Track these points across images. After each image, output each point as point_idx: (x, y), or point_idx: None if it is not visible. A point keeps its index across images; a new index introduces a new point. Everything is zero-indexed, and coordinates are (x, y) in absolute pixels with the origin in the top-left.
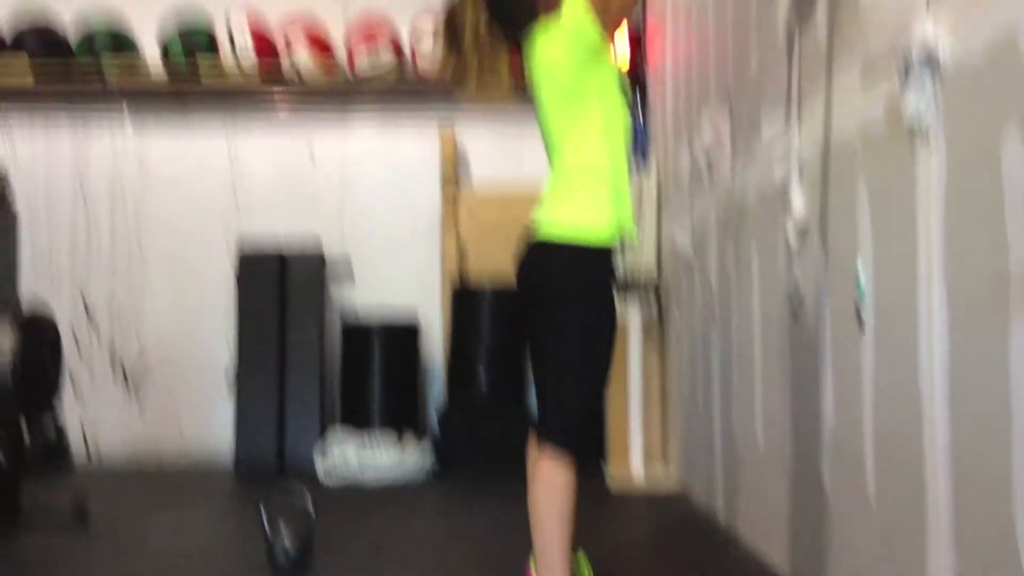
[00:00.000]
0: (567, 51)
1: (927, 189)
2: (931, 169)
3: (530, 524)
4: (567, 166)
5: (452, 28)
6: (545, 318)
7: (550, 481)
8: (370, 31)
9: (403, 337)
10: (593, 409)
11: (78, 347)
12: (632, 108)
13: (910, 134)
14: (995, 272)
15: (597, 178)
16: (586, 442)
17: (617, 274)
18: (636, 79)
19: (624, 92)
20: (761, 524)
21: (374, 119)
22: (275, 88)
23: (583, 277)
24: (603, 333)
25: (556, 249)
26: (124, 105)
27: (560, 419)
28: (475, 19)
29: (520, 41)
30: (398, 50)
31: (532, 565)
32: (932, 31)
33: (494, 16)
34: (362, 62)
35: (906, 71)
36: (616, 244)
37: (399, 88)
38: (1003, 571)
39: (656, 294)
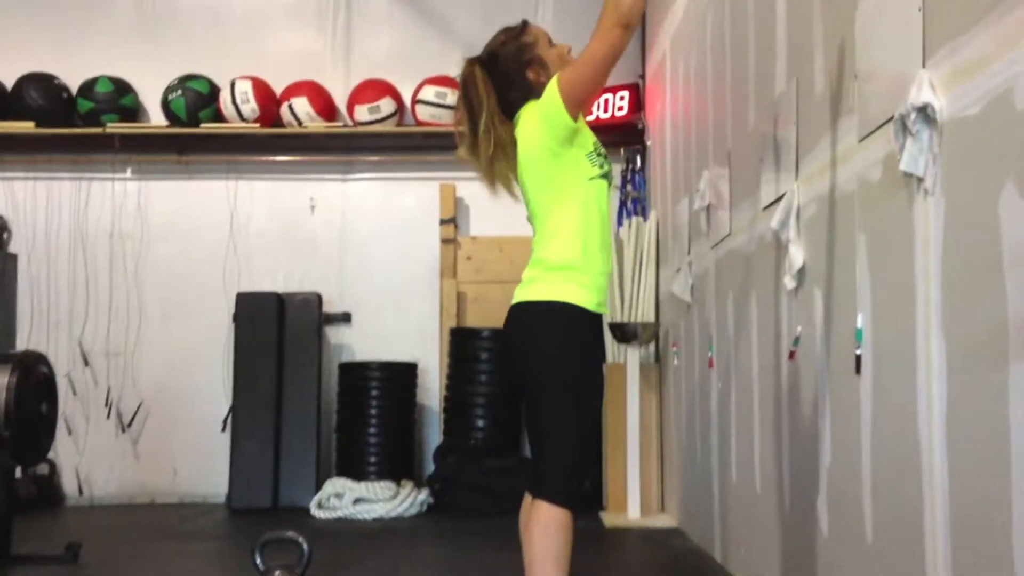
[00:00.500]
0: (540, 136)
1: (925, 240)
2: (929, 221)
3: (525, 571)
4: (545, 256)
5: (469, 106)
6: (531, 377)
7: (547, 525)
8: (371, 87)
9: (401, 375)
10: (586, 462)
11: (74, 390)
12: (630, 161)
13: (908, 187)
14: (993, 321)
15: (574, 270)
16: (579, 497)
17: (601, 335)
18: (635, 131)
19: (605, 160)
20: (757, 564)
21: (374, 169)
22: (275, 134)
23: (564, 332)
24: (588, 388)
25: (536, 307)
26: (124, 152)
27: (554, 475)
28: (489, 101)
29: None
30: (398, 102)
31: None
32: (929, 86)
33: (500, 95)
34: (362, 112)
35: (904, 125)
36: (595, 311)
37: (399, 139)
38: None
39: (655, 339)
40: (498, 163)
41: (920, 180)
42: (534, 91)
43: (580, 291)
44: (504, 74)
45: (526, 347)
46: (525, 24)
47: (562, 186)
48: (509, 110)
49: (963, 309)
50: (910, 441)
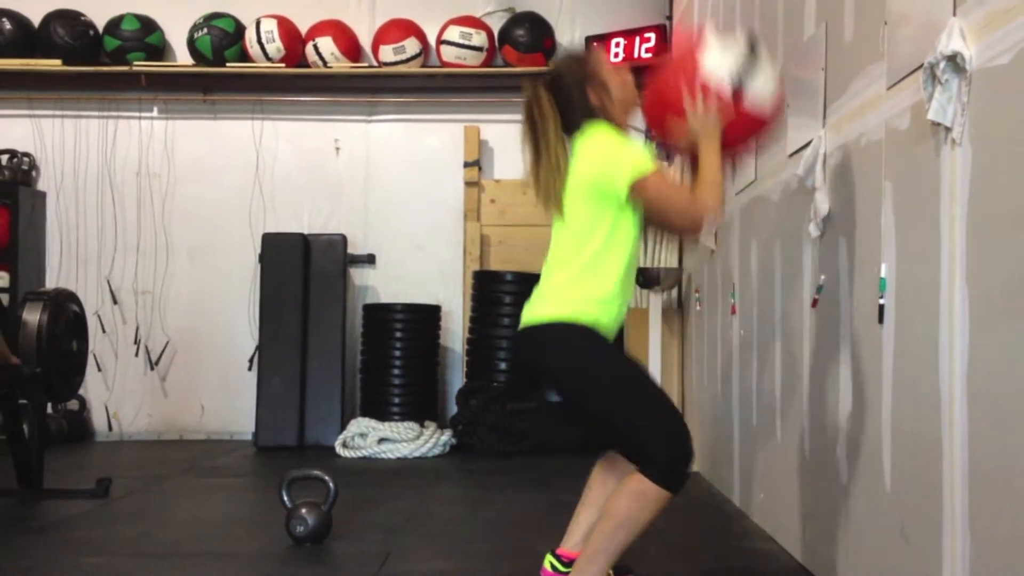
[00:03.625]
0: (593, 181)
1: (952, 190)
2: (956, 171)
3: (596, 523)
4: (563, 282)
5: (532, 125)
6: (574, 396)
7: (642, 495)
8: (396, 27)
9: (424, 317)
10: (684, 440)
11: (103, 327)
12: None
13: (935, 136)
14: (1017, 273)
15: (592, 301)
16: (684, 480)
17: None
18: None
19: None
20: (775, 509)
21: (398, 110)
22: (300, 74)
23: (578, 341)
24: (629, 373)
25: (547, 326)
26: (150, 91)
27: (659, 456)
28: (554, 121)
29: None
30: (423, 43)
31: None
32: (960, 34)
33: (563, 116)
34: (387, 52)
35: (932, 74)
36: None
37: (424, 80)
38: (1018, 559)
39: (678, 285)
40: (554, 182)
41: (948, 130)
42: (595, 112)
43: (593, 316)
44: (567, 96)
45: (546, 367)
46: (589, 49)
47: (601, 224)
48: (570, 130)
49: (987, 260)
50: (931, 391)
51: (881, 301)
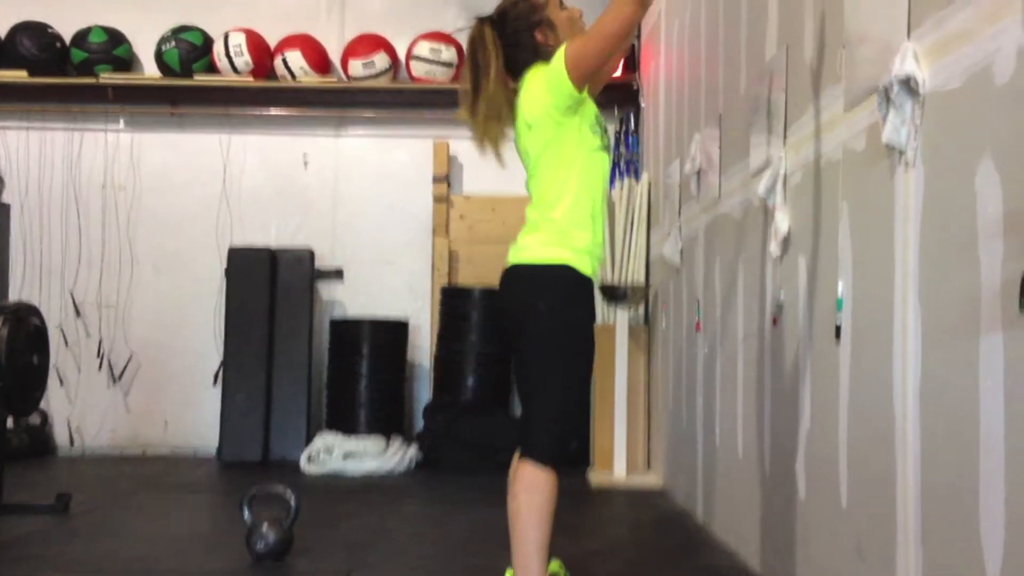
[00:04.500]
0: (545, 103)
1: (905, 211)
2: (909, 192)
3: (509, 531)
4: (543, 220)
5: (475, 65)
6: (526, 338)
7: (531, 483)
8: (365, 42)
9: (392, 332)
10: (570, 425)
11: (66, 341)
12: (624, 122)
13: (890, 157)
14: (967, 293)
15: (572, 236)
16: (566, 458)
17: (593, 299)
18: (630, 92)
19: (604, 133)
20: (736, 524)
21: (367, 124)
22: (269, 87)
23: (563, 295)
24: (582, 351)
25: (535, 270)
26: (117, 103)
27: (541, 435)
28: (496, 61)
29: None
30: (393, 58)
31: None
32: (913, 57)
33: (508, 56)
34: (356, 67)
35: (887, 95)
36: (591, 277)
37: (393, 95)
38: (967, 571)
39: (644, 301)
40: (493, 124)
41: (901, 152)
42: (542, 53)
43: (577, 256)
44: (512, 34)
45: (524, 309)
46: None
47: (564, 154)
48: (516, 71)
49: (939, 280)
50: (885, 409)
51: (838, 319)
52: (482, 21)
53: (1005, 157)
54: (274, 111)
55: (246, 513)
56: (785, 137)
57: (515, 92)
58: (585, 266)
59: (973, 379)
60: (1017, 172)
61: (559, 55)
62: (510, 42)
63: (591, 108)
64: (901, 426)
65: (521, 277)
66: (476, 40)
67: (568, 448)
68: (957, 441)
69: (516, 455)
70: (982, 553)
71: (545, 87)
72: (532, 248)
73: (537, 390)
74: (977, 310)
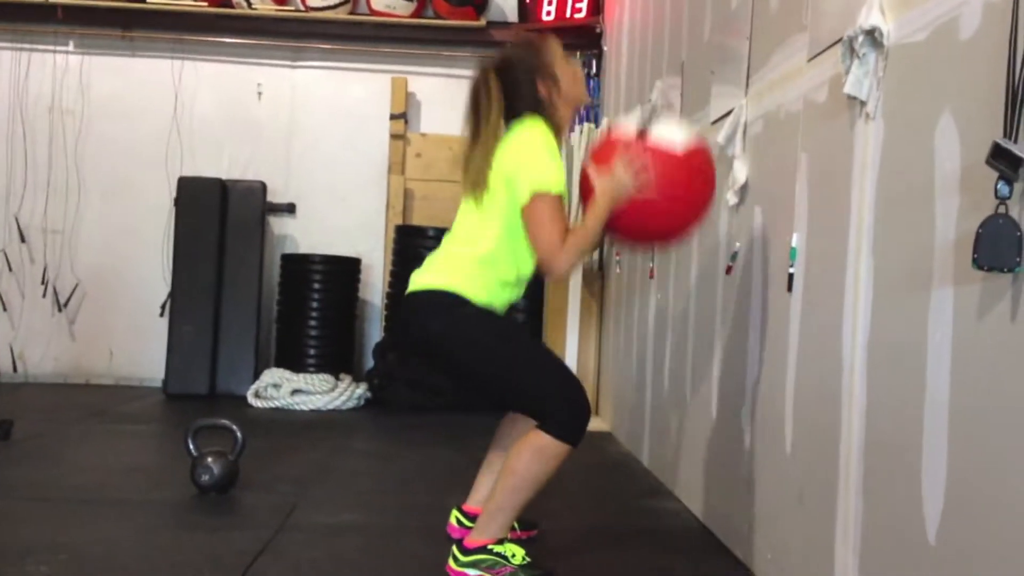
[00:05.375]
0: (511, 182)
1: (863, 164)
2: (868, 145)
3: (498, 478)
4: (457, 255)
5: (476, 110)
6: (451, 360)
7: (543, 451)
8: None
9: (344, 269)
10: (581, 395)
11: (9, 266)
12: (585, 66)
13: (851, 110)
14: (920, 248)
15: (481, 279)
16: (583, 433)
17: (497, 317)
18: (593, 35)
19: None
20: (681, 469)
21: (324, 57)
22: (224, 14)
23: (460, 312)
24: (510, 338)
25: (429, 295)
26: (67, 24)
27: (556, 411)
28: (497, 110)
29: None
30: None
31: (454, 562)
32: (879, 9)
33: (508, 103)
34: None
35: (851, 46)
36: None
37: (351, 27)
38: (907, 524)
39: (599, 248)
40: (485, 172)
41: (863, 104)
42: (542, 105)
43: (470, 285)
44: (514, 83)
45: (432, 333)
46: (544, 38)
47: (512, 214)
48: (511, 117)
49: (893, 233)
50: (833, 360)
51: (791, 270)
52: (487, 68)
53: (965, 112)
54: (228, 39)
55: (191, 445)
56: (747, 86)
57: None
58: (479, 297)
59: (922, 333)
60: (976, 128)
61: (542, 178)
62: (510, 90)
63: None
64: (848, 377)
65: (418, 303)
66: (480, 87)
67: (587, 422)
68: (902, 394)
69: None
70: (922, 506)
71: (515, 168)
72: (435, 275)
73: (521, 383)
74: (930, 265)
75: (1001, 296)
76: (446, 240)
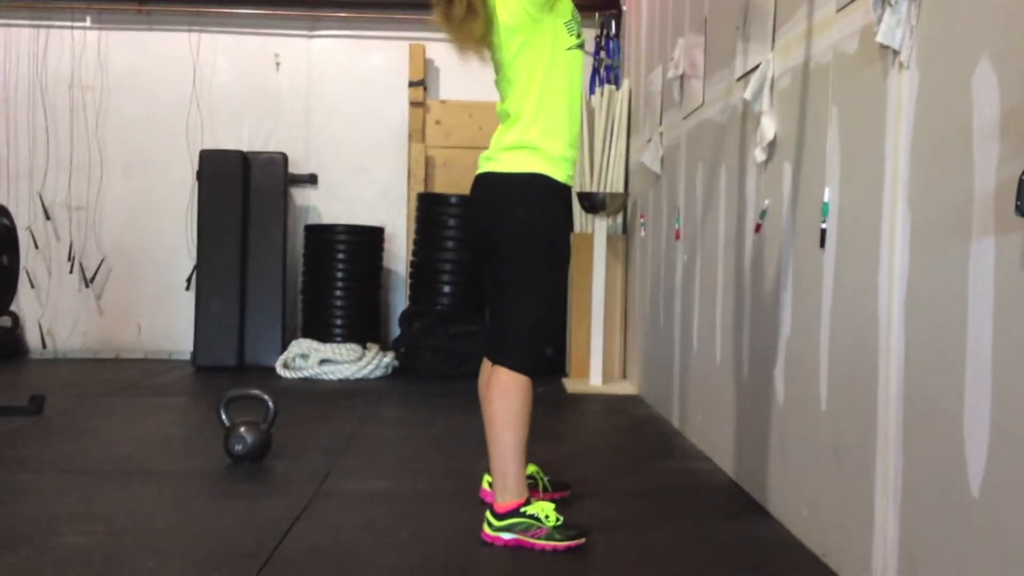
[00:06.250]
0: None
1: (897, 114)
2: (902, 94)
3: (486, 437)
4: (518, 124)
5: None
6: (502, 245)
7: (506, 389)
8: None
9: (367, 238)
10: (546, 332)
11: (35, 243)
12: (604, 27)
13: (883, 59)
14: (959, 197)
15: (547, 141)
16: (540, 365)
17: (570, 206)
18: None
19: (581, 30)
20: (711, 429)
21: (341, 25)
22: None
23: (538, 203)
24: (554, 258)
25: (509, 178)
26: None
27: (517, 344)
28: None
29: None
30: None
31: (489, 528)
32: None
33: None
34: None
35: None
36: (566, 183)
37: None
38: (948, 478)
39: (623, 210)
40: (469, 25)
41: (896, 53)
42: None
43: (551, 164)
44: None
45: (499, 216)
46: None
47: (539, 54)
48: None
49: (930, 185)
50: (869, 314)
51: (823, 225)
52: None
53: (1003, 57)
54: (244, 10)
55: (223, 415)
56: (773, 40)
57: None
58: (559, 173)
59: (962, 284)
60: (1015, 72)
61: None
62: None
63: (567, 3)
64: (885, 331)
65: (495, 186)
66: None
67: (544, 356)
68: (942, 346)
69: (485, 362)
70: (965, 461)
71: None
72: (507, 155)
73: (513, 299)
74: (969, 214)
75: None
76: (499, 109)
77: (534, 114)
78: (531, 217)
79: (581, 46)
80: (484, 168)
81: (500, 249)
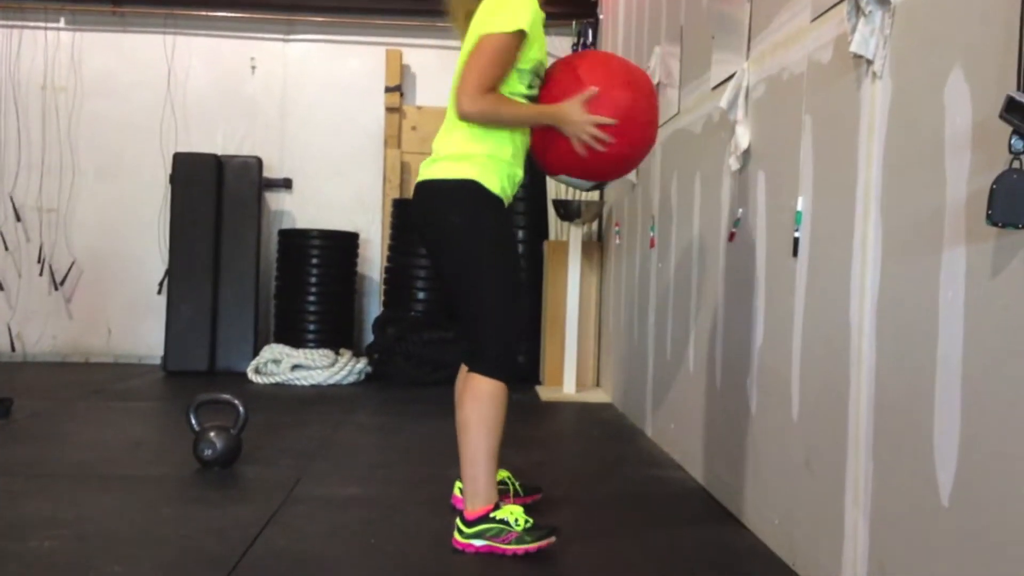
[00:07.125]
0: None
1: (870, 124)
2: (875, 104)
3: (458, 442)
4: (456, 136)
5: None
6: (444, 253)
7: (480, 394)
8: None
9: (342, 244)
10: (511, 331)
11: (5, 245)
12: (581, 35)
13: (857, 69)
14: (931, 205)
15: (483, 155)
16: (512, 370)
17: (509, 217)
18: (587, 3)
19: (537, 83)
20: (683, 438)
21: (317, 30)
22: None
23: (471, 208)
24: (497, 258)
25: (437, 185)
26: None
27: (488, 350)
28: None
29: None
30: None
31: (459, 535)
32: None
33: None
34: None
35: (857, 4)
36: (499, 196)
37: (345, 0)
38: (919, 488)
39: (598, 218)
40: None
41: (869, 62)
42: None
43: (484, 172)
44: None
45: (436, 224)
46: None
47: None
48: None
49: (902, 194)
50: (840, 323)
51: (796, 234)
52: None
53: (976, 67)
54: (220, 13)
55: (193, 420)
56: (748, 50)
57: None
58: (493, 184)
59: (933, 293)
60: (988, 83)
61: (502, 17)
62: None
63: (535, 54)
64: (856, 340)
65: (431, 194)
66: None
67: (515, 360)
68: (913, 356)
69: (462, 368)
70: (935, 469)
71: (486, 16)
72: (441, 164)
73: (470, 305)
74: (940, 224)
75: (1016, 252)
76: (444, 123)
77: (474, 131)
78: (463, 222)
79: (534, 98)
80: (422, 176)
81: (443, 256)
